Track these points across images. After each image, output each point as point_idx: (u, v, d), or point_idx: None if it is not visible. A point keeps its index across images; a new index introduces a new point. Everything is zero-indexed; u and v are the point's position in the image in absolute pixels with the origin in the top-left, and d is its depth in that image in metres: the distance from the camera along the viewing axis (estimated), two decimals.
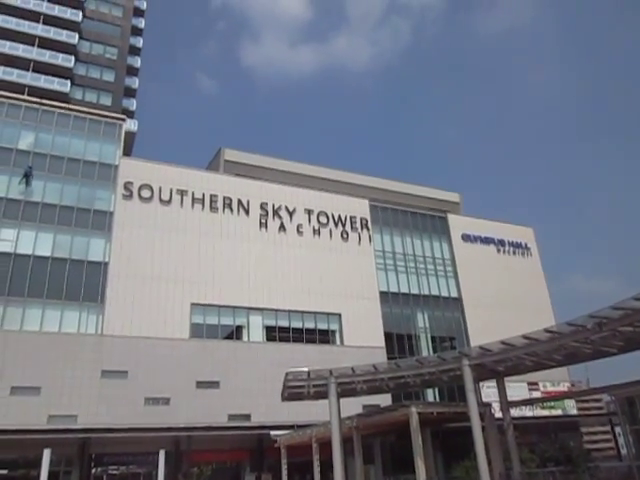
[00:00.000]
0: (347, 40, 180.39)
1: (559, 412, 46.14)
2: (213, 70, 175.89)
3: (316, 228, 43.94)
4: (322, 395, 23.54)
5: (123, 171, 39.23)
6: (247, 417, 34.84)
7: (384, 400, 33.91)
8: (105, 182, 38.59)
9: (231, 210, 41.50)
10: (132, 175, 39.22)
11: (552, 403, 45.17)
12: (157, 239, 37.91)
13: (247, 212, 42.00)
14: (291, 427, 30.95)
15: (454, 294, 47.91)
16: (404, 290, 45.75)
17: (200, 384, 34.88)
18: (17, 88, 45.23)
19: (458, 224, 51.36)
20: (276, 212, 43.01)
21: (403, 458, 24.84)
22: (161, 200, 39.44)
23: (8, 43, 48.15)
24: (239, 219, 41.50)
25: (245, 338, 38.17)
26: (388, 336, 42.63)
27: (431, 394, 42.58)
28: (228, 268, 39.18)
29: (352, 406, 27.21)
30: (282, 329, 39.47)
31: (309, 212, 44.24)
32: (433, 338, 45.28)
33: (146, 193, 39.14)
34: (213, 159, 49.00)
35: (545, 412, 44.95)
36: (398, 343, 42.87)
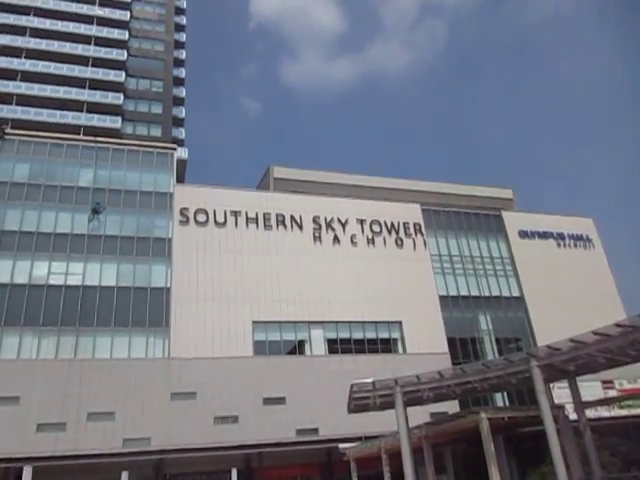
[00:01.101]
0: (384, 47, 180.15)
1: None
2: (255, 91, 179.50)
3: (370, 237, 43.87)
4: (388, 405, 23.35)
5: (178, 198, 40.55)
6: (315, 431, 34.92)
7: (452, 407, 33.24)
8: (162, 210, 40.00)
9: (285, 226, 42.08)
10: (187, 201, 40.48)
11: (630, 402, 42.88)
12: (215, 261, 38.85)
13: (300, 227, 42.47)
14: (359, 439, 30.82)
15: (516, 293, 46.56)
16: (464, 293, 44.87)
17: (267, 400, 35.28)
18: (73, 129, 47.72)
19: (514, 221, 50.03)
20: (329, 225, 43.27)
21: (476, 466, 24.25)
22: (216, 223, 40.46)
23: (62, 88, 50.91)
24: (293, 235, 42.00)
25: (308, 352, 38.40)
26: (451, 341, 41.85)
27: (500, 398, 41.38)
28: (286, 284, 39.64)
29: (419, 415, 26.85)
30: (344, 341, 39.48)
31: (362, 222, 44.24)
32: (497, 340, 44.08)
33: (201, 217, 40.28)
34: (263, 178, 49.91)
35: (624, 412, 42.72)
36: (462, 348, 42.00)
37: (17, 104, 48.68)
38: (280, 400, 35.54)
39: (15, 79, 49.97)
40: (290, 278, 39.92)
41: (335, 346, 39.11)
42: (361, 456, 30.00)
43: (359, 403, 24.50)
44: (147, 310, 36.11)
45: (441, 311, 42.77)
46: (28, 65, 50.63)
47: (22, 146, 39.63)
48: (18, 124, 45.18)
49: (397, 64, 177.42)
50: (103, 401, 32.33)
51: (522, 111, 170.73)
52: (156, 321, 35.92)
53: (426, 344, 40.46)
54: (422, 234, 45.61)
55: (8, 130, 39.92)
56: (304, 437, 34.22)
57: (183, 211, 40.09)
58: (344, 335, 39.65)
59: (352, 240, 43.25)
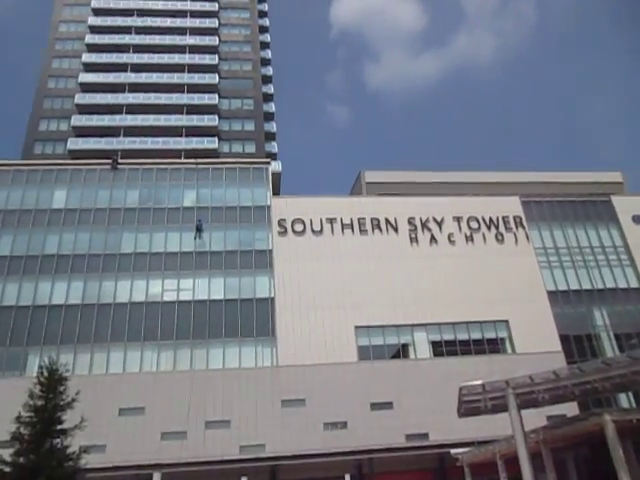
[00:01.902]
0: (468, 37, 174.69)
1: None
2: (341, 98, 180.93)
3: (468, 235, 42.70)
4: (500, 408, 22.53)
5: (275, 210, 41.90)
6: (425, 436, 34.44)
7: (570, 409, 31.45)
8: (261, 223, 41.50)
9: (380, 230, 42.06)
10: (284, 212, 41.73)
11: None
12: (315, 268, 39.62)
13: (396, 230, 42.24)
14: (472, 444, 29.93)
15: (634, 284, 43.06)
16: (574, 287, 42.28)
17: (374, 406, 35.33)
18: (175, 153, 50.81)
19: (625, 206, 46.34)
20: (425, 225, 42.66)
21: (603, 474, 22.71)
22: (313, 231, 41.31)
23: (162, 116, 54.41)
24: (389, 238, 41.87)
25: (412, 356, 38.02)
26: (564, 339, 39.52)
27: (624, 399, 38.46)
28: (385, 287, 39.55)
29: (535, 418, 25.63)
30: (448, 343, 38.65)
31: (458, 220, 43.17)
32: (617, 336, 40.98)
33: (298, 227, 41.30)
34: (355, 183, 50.20)
35: None
36: (577, 345, 39.52)
37: (124, 135, 52.68)
38: (387, 405, 35.47)
39: (121, 112, 54.14)
40: (389, 281, 39.77)
41: (440, 348, 38.39)
42: (475, 462, 29.10)
43: (469, 406, 23.84)
44: (254, 320, 37.56)
45: (551, 307, 40.57)
46: (131, 98, 54.70)
47: (131, 173, 42.90)
48: (126, 154, 48.87)
49: (483, 52, 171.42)
50: (219, 410, 34.00)
51: (621, 89, 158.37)
52: (263, 331, 37.25)
53: (536, 343, 38.54)
54: (524, 227, 43.63)
55: (119, 160, 43.27)
56: (414, 442, 33.83)
57: (281, 222, 41.34)
58: (448, 337, 38.82)
59: (450, 239, 42.31)
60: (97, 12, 59.82)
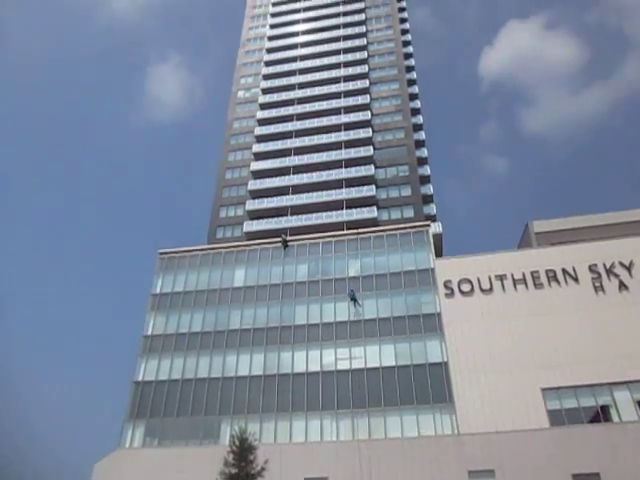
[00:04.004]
0: (637, 63, 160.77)
1: None
2: (499, 148, 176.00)
3: None
4: None
5: (440, 272, 41.22)
6: None
7: None
8: (426, 286, 41.02)
9: (557, 282, 38.97)
10: (449, 273, 40.85)
11: None
12: (488, 329, 37.67)
13: (576, 279, 38.79)
14: None
15: None
16: None
17: (577, 477, 31.12)
18: (337, 226, 53.06)
19: None
20: (610, 271, 38.58)
21: None
22: (482, 290, 39.66)
23: (324, 192, 57.65)
24: (569, 289, 38.53)
25: (615, 419, 33.43)
26: None
27: None
28: (571, 343, 35.97)
29: None
30: None
31: None
32: None
33: (466, 287, 39.98)
34: (523, 235, 47.62)
35: None
36: None
37: (292, 214, 56.63)
38: (594, 476, 31.12)
39: (288, 193, 58.58)
40: (574, 337, 36.15)
41: None
42: None
43: None
44: (429, 386, 36.43)
45: None
46: (296, 179, 59.07)
47: (299, 249, 45.75)
48: (294, 230, 52.37)
49: None
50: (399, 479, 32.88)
51: None
52: (439, 397, 35.87)
53: None
54: None
55: (288, 238, 46.47)
56: None
57: (447, 284, 40.44)
58: None
59: None
60: (263, 106, 66.71)
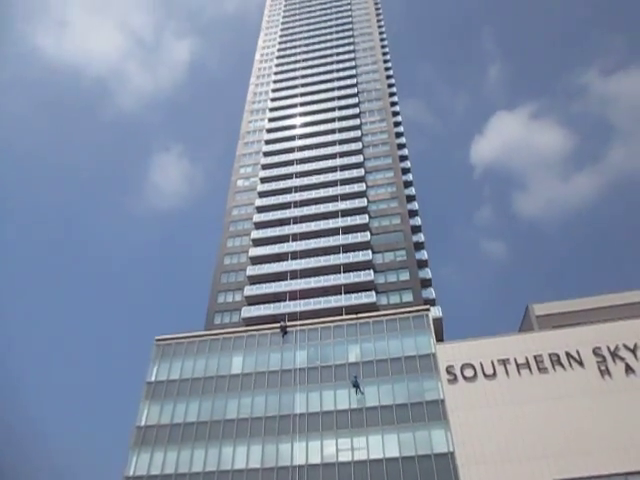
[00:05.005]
0: (624, 149, 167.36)
1: None
2: (495, 231, 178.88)
3: None
4: None
5: (441, 357, 40.48)
6: None
7: None
8: (428, 372, 40.14)
9: (562, 366, 38.23)
10: (450, 358, 40.09)
11: None
12: (494, 416, 36.44)
13: (581, 363, 38.08)
14: None
15: None
16: None
17: None
18: (336, 311, 52.61)
19: None
20: (615, 354, 37.97)
21: None
22: (485, 375, 38.78)
23: (322, 277, 57.70)
24: (574, 373, 37.72)
25: None
26: None
27: None
28: (581, 430, 34.74)
29: None
30: None
31: None
32: None
33: (469, 372, 39.10)
34: (523, 318, 47.26)
35: None
36: None
37: (290, 299, 56.28)
38: None
39: (286, 279, 58.56)
40: (585, 423, 34.98)
41: None
42: None
43: None
44: (435, 478, 34.58)
45: None
46: (294, 265, 59.27)
47: (298, 335, 45.05)
48: (293, 316, 51.72)
49: None
50: None
51: None
52: None
53: None
54: None
55: (286, 324, 45.89)
56: None
57: (449, 369, 39.59)
58: None
59: None
60: (262, 194, 68.24)
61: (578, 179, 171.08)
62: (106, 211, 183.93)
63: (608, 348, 38.33)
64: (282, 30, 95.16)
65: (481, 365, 39.32)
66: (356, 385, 39.79)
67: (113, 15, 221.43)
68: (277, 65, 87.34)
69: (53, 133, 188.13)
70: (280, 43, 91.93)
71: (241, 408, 41.02)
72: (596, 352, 38.32)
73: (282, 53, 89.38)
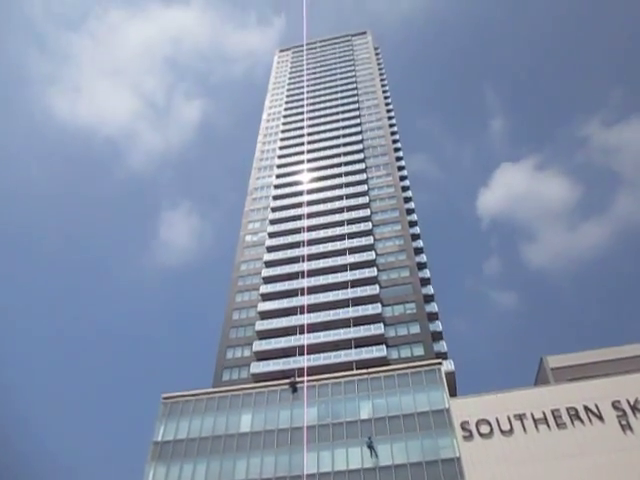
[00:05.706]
0: (630, 198, 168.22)
1: None
2: (505, 282, 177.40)
3: None
4: None
5: (455, 412, 39.38)
6: None
7: None
8: (442, 428, 38.97)
9: (581, 421, 37.04)
10: (465, 414, 38.98)
11: None
12: (512, 475, 35.05)
13: (600, 418, 36.92)
14: None
15: None
16: None
17: None
18: (347, 366, 51.71)
19: None
20: (635, 407, 36.94)
21: None
22: (502, 431, 37.59)
23: (332, 332, 57.08)
24: (594, 428, 36.50)
25: None
26: None
27: None
28: None
29: None
30: None
31: None
32: None
33: (485, 428, 37.92)
34: (538, 371, 46.20)
35: None
36: None
37: (299, 354, 55.48)
38: None
39: (295, 333, 57.95)
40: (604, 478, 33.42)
41: None
42: None
43: None
44: None
45: None
46: (303, 319, 58.81)
47: (309, 391, 44.09)
48: (302, 371, 50.79)
49: None
50: None
51: None
52: None
53: None
54: None
55: (296, 380, 45.03)
56: None
57: (464, 425, 38.44)
58: None
59: None
60: (270, 249, 68.55)
61: (585, 228, 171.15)
62: (116, 267, 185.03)
63: (628, 402, 37.21)
64: (288, 90, 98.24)
65: (497, 421, 38.15)
66: (371, 446, 38.55)
67: (125, 79, 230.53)
68: (284, 124, 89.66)
69: (65, 192, 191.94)
70: (287, 102, 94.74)
71: (250, 468, 39.70)
72: (616, 406, 37.18)
73: (288, 112, 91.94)
